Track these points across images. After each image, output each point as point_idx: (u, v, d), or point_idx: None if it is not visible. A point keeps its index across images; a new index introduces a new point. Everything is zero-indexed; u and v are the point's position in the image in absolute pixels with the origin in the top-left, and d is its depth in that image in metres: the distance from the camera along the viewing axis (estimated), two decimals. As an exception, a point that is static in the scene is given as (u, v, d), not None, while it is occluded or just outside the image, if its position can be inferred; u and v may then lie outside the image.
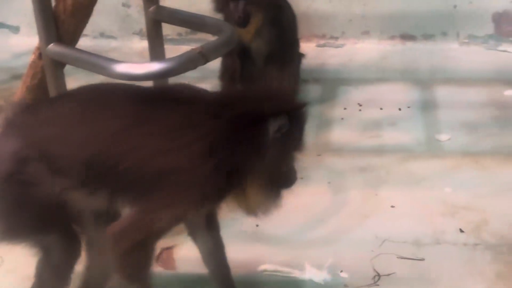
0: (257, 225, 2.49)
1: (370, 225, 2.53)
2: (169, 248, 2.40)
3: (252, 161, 1.76)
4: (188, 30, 3.94)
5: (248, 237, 2.47)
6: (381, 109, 3.39)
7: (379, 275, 2.28)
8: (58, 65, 2.28)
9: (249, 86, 1.95)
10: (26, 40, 3.91)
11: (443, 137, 3.12)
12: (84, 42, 2.49)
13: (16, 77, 3.46)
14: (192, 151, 1.71)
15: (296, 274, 2.30)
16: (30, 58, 2.38)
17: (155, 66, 2.10)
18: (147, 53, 2.65)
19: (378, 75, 3.75)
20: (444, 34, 4.06)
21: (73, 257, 1.88)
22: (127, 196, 1.79)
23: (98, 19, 3.01)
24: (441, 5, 4.00)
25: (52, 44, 2.24)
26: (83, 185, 1.78)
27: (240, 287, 2.15)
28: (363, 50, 4.06)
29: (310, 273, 2.30)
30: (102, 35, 4.30)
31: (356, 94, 3.54)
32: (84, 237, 1.94)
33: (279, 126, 1.75)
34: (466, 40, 4.05)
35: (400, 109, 3.37)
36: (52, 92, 2.29)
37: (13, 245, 1.88)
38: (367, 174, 2.86)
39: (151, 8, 2.52)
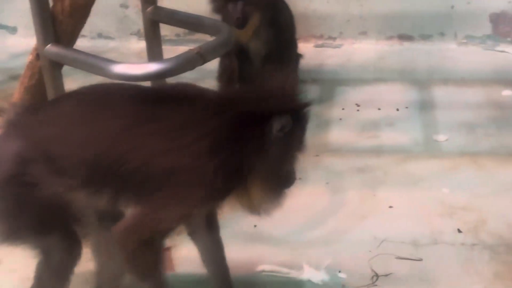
0: (255, 226, 2.49)
1: (368, 225, 2.53)
2: (168, 249, 2.40)
3: (255, 159, 1.76)
4: (186, 30, 3.93)
5: (246, 237, 2.47)
6: (379, 109, 3.39)
7: (377, 275, 2.28)
8: (55, 65, 2.28)
9: (251, 85, 1.94)
10: (24, 41, 3.91)
11: (441, 137, 3.11)
12: (82, 43, 2.49)
13: (13, 77, 3.45)
14: (196, 149, 1.71)
15: (294, 274, 2.30)
16: (28, 58, 2.38)
17: (153, 67, 2.10)
18: (145, 54, 2.65)
19: (376, 76, 3.75)
20: (442, 34, 4.06)
21: (73, 258, 1.87)
22: (131, 195, 1.79)
23: (96, 20, 3.01)
24: (439, 5, 4.00)
25: (49, 44, 2.24)
26: (86, 185, 1.78)
27: (239, 287, 2.15)
28: (361, 51, 4.05)
29: (308, 273, 2.29)
30: (100, 35, 4.30)
31: (354, 94, 3.54)
32: (90, 240, 1.93)
33: (282, 125, 1.74)
34: (464, 41, 4.06)
35: (398, 110, 3.37)
36: (50, 93, 2.28)
37: (14, 247, 1.88)
38: (365, 174, 2.86)
39: (149, 9, 2.52)
